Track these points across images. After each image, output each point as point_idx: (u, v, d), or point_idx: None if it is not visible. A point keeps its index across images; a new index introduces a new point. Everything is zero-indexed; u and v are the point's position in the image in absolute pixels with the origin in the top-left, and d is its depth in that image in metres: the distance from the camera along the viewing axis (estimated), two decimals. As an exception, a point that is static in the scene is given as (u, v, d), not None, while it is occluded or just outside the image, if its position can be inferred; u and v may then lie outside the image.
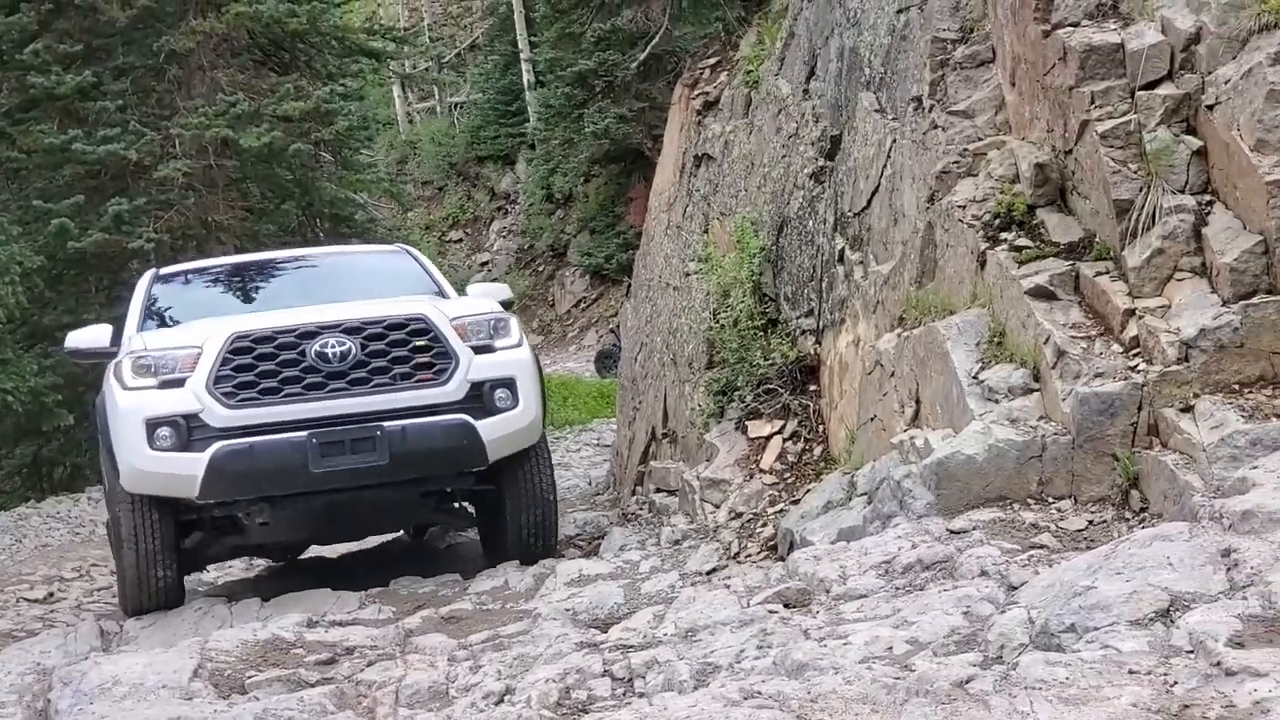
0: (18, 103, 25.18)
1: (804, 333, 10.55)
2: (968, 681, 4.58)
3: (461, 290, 11.53)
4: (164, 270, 12.27)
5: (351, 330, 9.74)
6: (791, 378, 10.36)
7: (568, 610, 8.60)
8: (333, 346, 9.63)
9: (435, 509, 11.22)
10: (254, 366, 9.58)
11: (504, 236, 46.62)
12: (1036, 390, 7.18)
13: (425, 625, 8.70)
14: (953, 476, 6.95)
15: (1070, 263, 7.46)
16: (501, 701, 5.67)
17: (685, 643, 6.04)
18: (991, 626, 5.15)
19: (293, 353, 9.63)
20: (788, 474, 9.86)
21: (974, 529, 6.61)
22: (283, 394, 9.57)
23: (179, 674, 7.70)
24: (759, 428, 10.38)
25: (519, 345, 10.20)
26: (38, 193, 25.21)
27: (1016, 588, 5.66)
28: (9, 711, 7.78)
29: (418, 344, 9.82)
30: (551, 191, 43.92)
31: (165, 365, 9.64)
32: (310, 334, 9.69)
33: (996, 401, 7.23)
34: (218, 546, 10.81)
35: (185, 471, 9.46)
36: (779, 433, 10.22)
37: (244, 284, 12.21)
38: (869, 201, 9.67)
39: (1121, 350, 6.90)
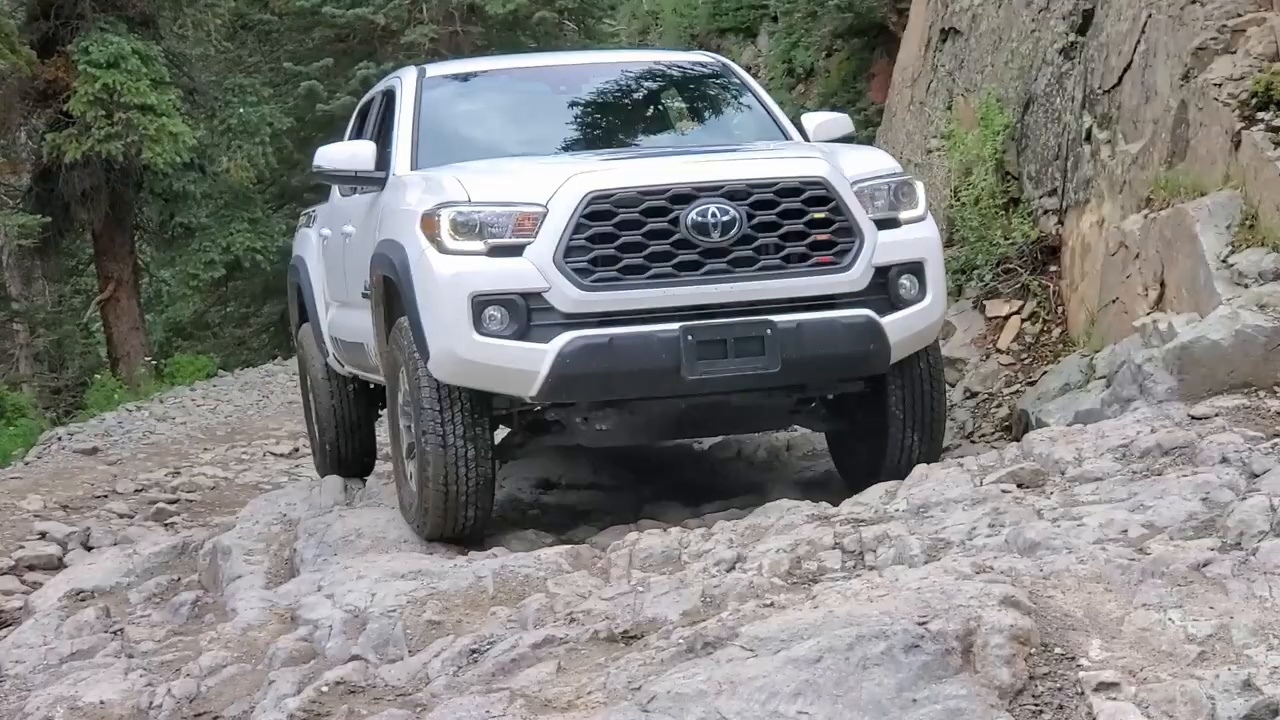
0: (270, -35, 25.75)
1: (1046, 212, 10.37)
2: (1204, 565, 4.55)
3: (796, 122, 9.30)
4: (434, 71, 9.68)
5: (736, 195, 7.48)
6: (1032, 258, 10.19)
7: (798, 483, 8.67)
8: (714, 215, 7.38)
9: (795, 411, 8.53)
10: (614, 236, 7.37)
11: (744, 110, 46.42)
12: (1289, 276, 6.99)
13: (665, 492, 8.84)
14: (1196, 361, 6.81)
15: (1331, 144, 7.23)
16: (733, 569, 5.75)
17: (916, 519, 6.06)
18: (1231, 513, 5.08)
19: (662, 220, 7.38)
20: (1025, 355, 9.75)
21: (1216, 415, 6.48)
22: (649, 274, 7.38)
23: (419, 528, 7.93)
24: (997, 307, 10.25)
25: (925, 218, 8.02)
26: (288, 55, 25.86)
27: (1258, 475, 5.57)
28: (258, 559, 8.12)
29: (816, 215, 7.58)
30: (793, 66, 43.42)
31: (497, 226, 7.44)
32: (684, 197, 7.43)
33: (1246, 286, 7.06)
34: (527, 447, 8.48)
35: (523, 366, 7.33)
36: (1017, 313, 10.08)
37: (553, 102, 9.71)
38: (1120, 79, 9.43)
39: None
